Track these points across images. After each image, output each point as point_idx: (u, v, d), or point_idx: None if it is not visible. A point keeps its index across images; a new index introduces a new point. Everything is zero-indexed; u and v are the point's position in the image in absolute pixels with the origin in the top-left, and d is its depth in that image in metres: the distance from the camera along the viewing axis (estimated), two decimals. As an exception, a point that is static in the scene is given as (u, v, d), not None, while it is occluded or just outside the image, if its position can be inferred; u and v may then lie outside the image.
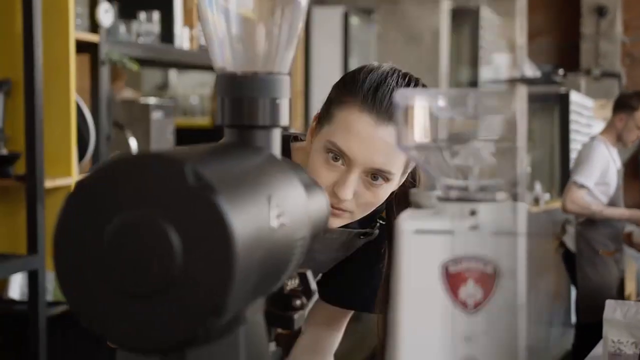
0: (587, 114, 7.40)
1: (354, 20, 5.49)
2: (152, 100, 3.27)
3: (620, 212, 4.54)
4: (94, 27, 2.75)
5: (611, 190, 4.46)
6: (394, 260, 0.72)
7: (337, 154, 1.26)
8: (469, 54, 7.36)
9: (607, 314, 2.08)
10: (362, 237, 1.44)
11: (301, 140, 1.44)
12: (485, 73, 5.37)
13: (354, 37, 5.43)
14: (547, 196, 6.04)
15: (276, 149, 0.84)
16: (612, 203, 4.48)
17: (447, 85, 6.18)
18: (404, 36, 5.60)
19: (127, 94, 4.18)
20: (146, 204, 0.63)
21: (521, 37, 5.59)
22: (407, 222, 0.72)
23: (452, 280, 0.70)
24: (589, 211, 4.40)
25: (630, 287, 4.92)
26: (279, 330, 0.96)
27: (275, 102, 0.83)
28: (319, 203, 0.88)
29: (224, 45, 0.84)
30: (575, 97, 6.93)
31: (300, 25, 0.87)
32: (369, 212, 1.32)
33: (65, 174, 2.57)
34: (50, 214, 2.47)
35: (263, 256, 0.68)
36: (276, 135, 0.84)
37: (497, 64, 5.41)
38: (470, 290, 0.70)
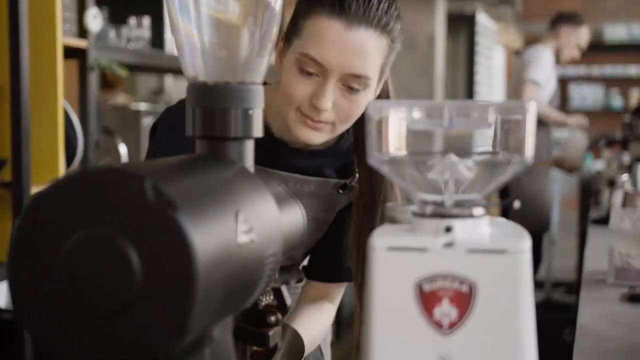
0: (491, 37, 7.61)
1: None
2: (143, 106, 3.24)
3: (566, 118, 4.67)
4: (83, 32, 2.72)
5: (552, 91, 4.58)
6: (366, 277, 0.69)
7: (310, 66, 1.24)
8: (464, 58, 7.36)
9: (614, 223, 1.98)
10: (340, 191, 1.41)
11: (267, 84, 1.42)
12: None
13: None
14: None
15: (249, 160, 0.81)
16: (550, 104, 4.58)
17: (443, 89, 6.17)
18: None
19: (121, 99, 4.16)
20: (105, 221, 0.60)
21: None
22: (380, 239, 0.69)
23: (427, 299, 0.68)
24: (544, 112, 4.47)
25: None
26: (254, 347, 0.94)
27: (247, 112, 0.80)
28: (293, 216, 0.85)
29: (195, 53, 0.82)
30: (481, 19, 7.06)
31: (275, 31, 0.85)
32: (350, 123, 1.30)
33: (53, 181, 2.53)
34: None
35: (229, 274, 0.65)
36: (249, 147, 0.82)
37: None
38: (445, 309, 0.67)
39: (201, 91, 0.80)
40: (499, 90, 9.08)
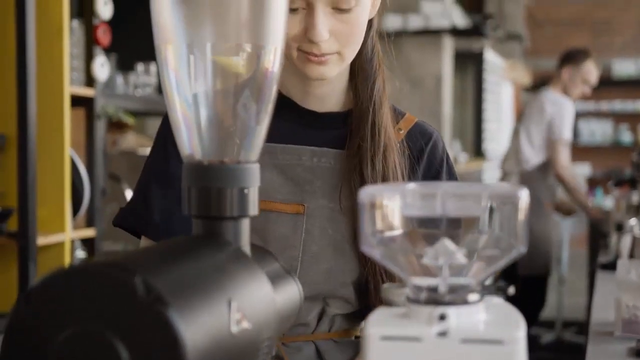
0: (499, 74, 7.64)
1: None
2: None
3: (585, 200, 4.67)
4: (90, 80, 2.74)
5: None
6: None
7: (290, 1, 1.14)
8: (472, 95, 7.38)
9: (620, 274, 1.94)
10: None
11: None
12: (414, 21, 5.35)
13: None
14: (464, 156, 6.17)
15: (244, 239, 0.81)
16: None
17: (451, 128, 6.17)
18: (407, 81, 5.60)
19: (131, 139, 4.17)
20: (95, 317, 0.60)
21: None
22: (374, 327, 0.69)
23: (421, 390, 0.67)
24: (572, 185, 4.47)
25: None
26: None
27: (243, 191, 0.80)
28: (289, 294, 0.85)
29: (191, 132, 0.82)
30: (489, 56, 7.10)
31: (269, 110, 0.85)
32: (357, 45, 1.21)
33: (59, 230, 2.54)
34: (42, 272, 2.44)
35: (221, 365, 0.64)
36: (245, 226, 0.81)
37: (426, 12, 5.41)
38: (439, 400, 0.66)
39: (197, 171, 0.80)
40: (507, 126, 9.08)
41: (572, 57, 4.60)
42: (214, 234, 0.79)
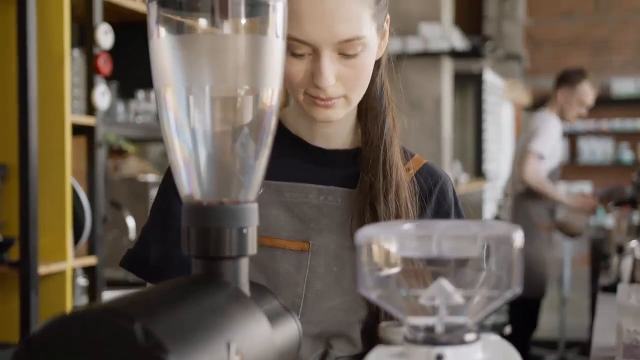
0: (499, 94, 7.66)
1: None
2: (151, 178, 3.26)
3: (567, 200, 4.63)
4: (91, 109, 2.76)
5: (554, 165, 4.56)
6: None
7: (298, 48, 1.15)
8: (473, 116, 7.41)
9: (621, 299, 1.93)
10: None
11: None
12: (414, 44, 5.38)
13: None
14: (465, 177, 6.18)
15: (244, 279, 0.82)
16: (550, 178, 4.55)
17: (452, 149, 6.19)
18: (407, 103, 5.62)
19: (132, 164, 4.19)
20: (96, 363, 0.60)
21: (446, 9, 5.58)
22: (372, 369, 0.69)
23: None
24: (543, 188, 4.44)
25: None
26: None
27: (242, 231, 0.81)
28: (288, 333, 0.85)
29: (191, 173, 0.83)
30: (488, 77, 7.13)
31: (268, 151, 0.86)
32: (363, 89, 1.20)
33: (61, 259, 2.55)
34: (44, 301, 2.44)
35: (221, 409, 0.65)
36: (244, 265, 0.82)
37: (425, 35, 5.44)
38: None
39: (196, 212, 0.81)
40: (508, 146, 9.10)
41: (568, 79, 4.62)
42: (213, 274, 0.80)
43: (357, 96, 1.21)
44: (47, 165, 2.52)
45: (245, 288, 0.81)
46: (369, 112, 1.30)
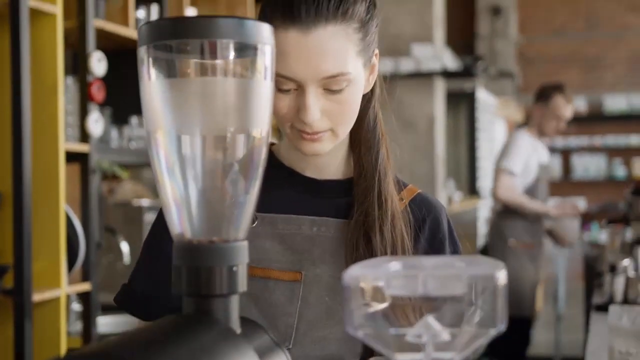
0: (491, 111, 7.70)
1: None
2: (145, 202, 3.27)
3: (547, 208, 4.64)
4: (85, 136, 2.77)
5: (529, 181, 4.56)
6: None
7: (284, 83, 1.17)
8: (465, 134, 7.44)
9: (612, 320, 1.93)
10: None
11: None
12: (406, 64, 5.42)
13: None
14: (459, 194, 6.20)
15: (234, 316, 0.83)
16: (530, 193, 4.56)
17: (445, 168, 6.21)
18: (400, 123, 5.65)
19: (127, 187, 4.19)
20: (88, 406, 0.62)
21: (438, 29, 5.62)
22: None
23: None
24: (517, 201, 4.46)
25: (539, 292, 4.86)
26: None
27: (232, 269, 0.83)
28: (279, 369, 0.87)
29: (181, 213, 0.85)
30: (481, 95, 7.17)
31: (256, 190, 0.87)
32: (350, 123, 1.22)
33: (55, 286, 2.55)
34: (38, 328, 2.45)
35: None
36: (234, 302, 0.84)
37: (417, 56, 5.47)
38: None
39: (187, 250, 0.83)
40: (502, 163, 9.12)
41: (542, 94, 4.66)
42: (204, 312, 0.82)
43: (344, 129, 1.23)
44: (41, 192, 2.53)
45: (236, 325, 0.83)
46: (362, 143, 1.31)
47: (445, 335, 0.73)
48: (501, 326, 0.72)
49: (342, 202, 1.31)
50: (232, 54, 0.82)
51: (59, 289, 2.55)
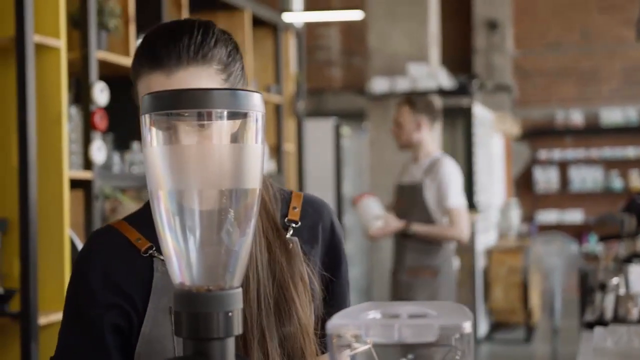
0: (489, 126, 7.79)
1: (345, 131, 5.63)
2: (146, 224, 3.35)
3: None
4: (88, 163, 2.86)
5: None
6: None
7: None
8: (463, 149, 7.53)
9: (598, 342, 1.98)
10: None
11: None
12: (402, 83, 5.44)
13: (345, 147, 5.55)
14: None
15: (230, 356, 0.92)
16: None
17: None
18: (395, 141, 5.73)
19: (128, 207, 4.27)
20: None
21: (433, 48, 5.68)
22: None
23: None
24: (428, 235, 4.01)
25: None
26: None
27: (228, 315, 0.91)
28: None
29: (181, 264, 0.93)
30: (477, 110, 7.27)
31: (250, 238, 0.96)
32: None
33: (60, 309, 2.62)
34: (44, 350, 2.53)
35: None
36: (230, 344, 0.92)
37: (413, 75, 5.48)
38: None
39: (186, 298, 0.91)
40: (499, 178, 9.22)
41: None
42: (202, 354, 0.90)
43: None
44: (46, 218, 2.61)
45: (231, 367, 0.91)
46: None
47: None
48: (468, 369, 0.81)
49: None
50: (225, 121, 0.90)
51: (64, 312, 2.63)
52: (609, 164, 10.33)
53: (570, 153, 10.39)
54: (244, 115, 0.91)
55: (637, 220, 4.19)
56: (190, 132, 1.08)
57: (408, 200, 4.11)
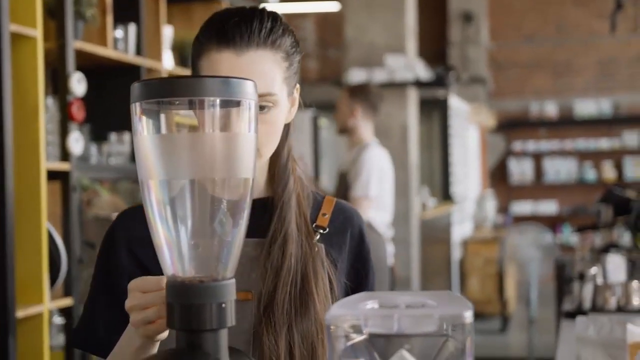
0: (464, 117, 7.83)
1: (323, 122, 5.62)
2: (124, 216, 3.32)
3: None
4: (65, 155, 2.82)
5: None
6: None
7: None
8: (439, 140, 7.55)
9: (580, 330, 1.98)
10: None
11: None
12: (379, 74, 5.43)
13: (323, 139, 5.53)
14: (433, 201, 6.29)
15: (223, 348, 0.90)
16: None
17: (419, 176, 6.29)
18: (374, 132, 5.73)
19: (105, 199, 4.22)
20: None
21: (410, 40, 5.68)
22: None
23: None
24: None
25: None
26: None
27: (221, 306, 0.90)
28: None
29: (173, 255, 0.92)
30: (453, 102, 7.31)
31: (243, 231, 0.94)
32: (274, 144, 1.29)
33: (37, 302, 2.60)
34: (22, 343, 2.49)
35: None
36: (223, 336, 0.91)
37: (390, 66, 5.48)
38: None
39: (179, 289, 0.90)
40: (475, 169, 9.25)
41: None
42: (195, 346, 0.89)
43: (268, 150, 1.29)
44: (23, 210, 2.58)
45: (225, 357, 0.90)
46: (276, 173, 1.36)
47: (417, 366, 0.80)
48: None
49: (260, 222, 1.33)
50: (218, 110, 0.89)
51: (42, 305, 2.61)
52: (582, 156, 10.40)
53: (545, 145, 10.45)
54: (237, 104, 0.90)
55: (613, 210, 4.22)
56: (181, 121, 1.06)
57: (340, 188, 4.12)
